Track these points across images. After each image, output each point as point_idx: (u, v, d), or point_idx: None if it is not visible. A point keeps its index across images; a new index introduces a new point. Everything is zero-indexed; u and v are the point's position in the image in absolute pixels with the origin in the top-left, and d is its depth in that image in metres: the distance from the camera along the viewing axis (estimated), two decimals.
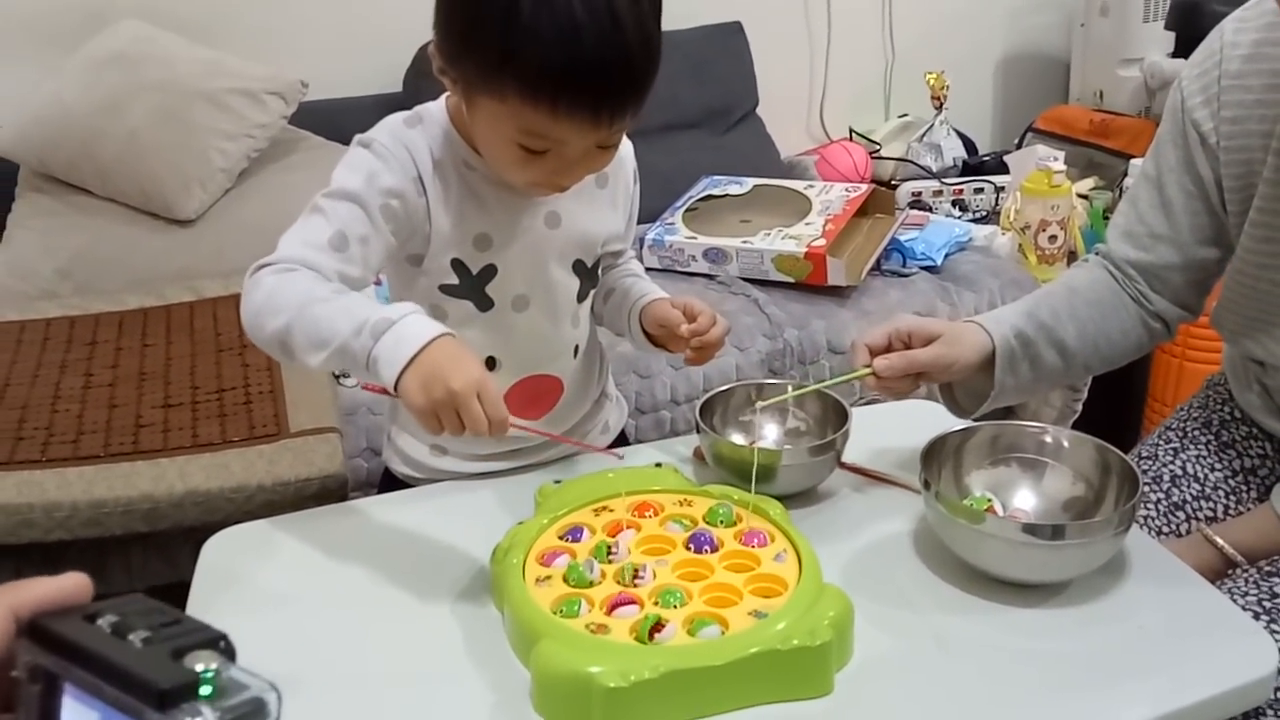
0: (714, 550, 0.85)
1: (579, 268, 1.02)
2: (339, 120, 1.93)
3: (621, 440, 1.17)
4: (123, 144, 1.84)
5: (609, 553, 0.85)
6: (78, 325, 1.62)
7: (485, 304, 0.98)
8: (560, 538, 0.88)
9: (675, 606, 0.78)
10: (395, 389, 0.80)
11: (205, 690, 0.36)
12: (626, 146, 1.02)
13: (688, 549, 0.85)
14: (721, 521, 0.88)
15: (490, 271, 0.97)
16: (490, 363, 1.00)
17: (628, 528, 0.88)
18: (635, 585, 0.81)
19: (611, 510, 0.91)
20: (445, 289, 0.96)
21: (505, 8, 0.79)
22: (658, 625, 0.76)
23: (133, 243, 1.84)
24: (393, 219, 0.91)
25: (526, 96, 0.82)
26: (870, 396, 1.76)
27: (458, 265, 0.95)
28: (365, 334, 0.81)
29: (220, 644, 0.38)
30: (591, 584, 0.81)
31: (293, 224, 0.90)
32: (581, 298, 1.04)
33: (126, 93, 1.87)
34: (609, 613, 0.78)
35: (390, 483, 1.09)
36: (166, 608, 0.40)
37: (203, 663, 0.37)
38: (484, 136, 0.89)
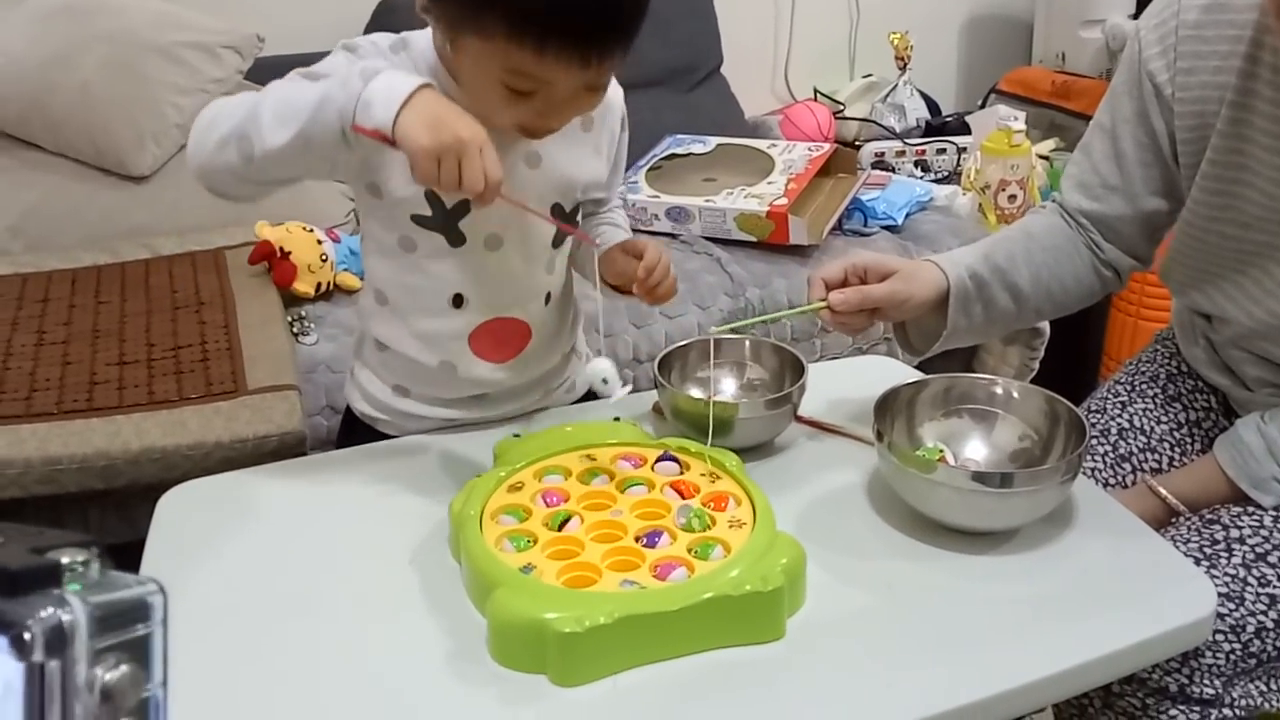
0: (651, 545, 0.81)
1: (557, 211, 1.00)
2: None
3: (590, 398, 1.17)
4: (74, 97, 1.80)
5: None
6: (30, 283, 1.59)
7: (457, 239, 0.96)
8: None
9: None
10: (394, 129, 0.78)
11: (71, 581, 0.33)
12: (616, 92, 1.00)
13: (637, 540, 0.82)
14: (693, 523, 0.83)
15: (464, 207, 0.95)
16: (458, 300, 0.98)
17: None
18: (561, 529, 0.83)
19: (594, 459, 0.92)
20: (417, 219, 0.95)
21: None
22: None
23: (86, 199, 1.80)
24: None
25: (513, 35, 0.80)
26: (830, 351, 1.78)
27: (431, 196, 0.94)
28: (354, 80, 0.79)
29: (92, 548, 0.35)
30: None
31: None
32: (557, 243, 1.02)
33: (77, 45, 1.83)
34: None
35: (351, 420, 1.09)
36: (43, 530, 0.37)
37: (69, 556, 0.34)
38: (469, 76, 0.87)
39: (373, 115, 0.78)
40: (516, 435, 0.97)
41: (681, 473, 0.90)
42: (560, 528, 0.83)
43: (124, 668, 0.33)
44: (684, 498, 0.86)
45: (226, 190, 0.90)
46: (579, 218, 1.04)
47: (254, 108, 0.82)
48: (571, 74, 0.83)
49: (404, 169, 0.92)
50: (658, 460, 0.92)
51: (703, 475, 0.89)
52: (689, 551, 0.80)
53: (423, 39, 0.93)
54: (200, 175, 0.87)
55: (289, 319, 1.55)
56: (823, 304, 0.99)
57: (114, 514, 1.31)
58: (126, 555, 0.91)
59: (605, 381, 0.92)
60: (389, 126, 0.77)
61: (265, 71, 1.99)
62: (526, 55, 0.81)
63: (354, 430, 1.08)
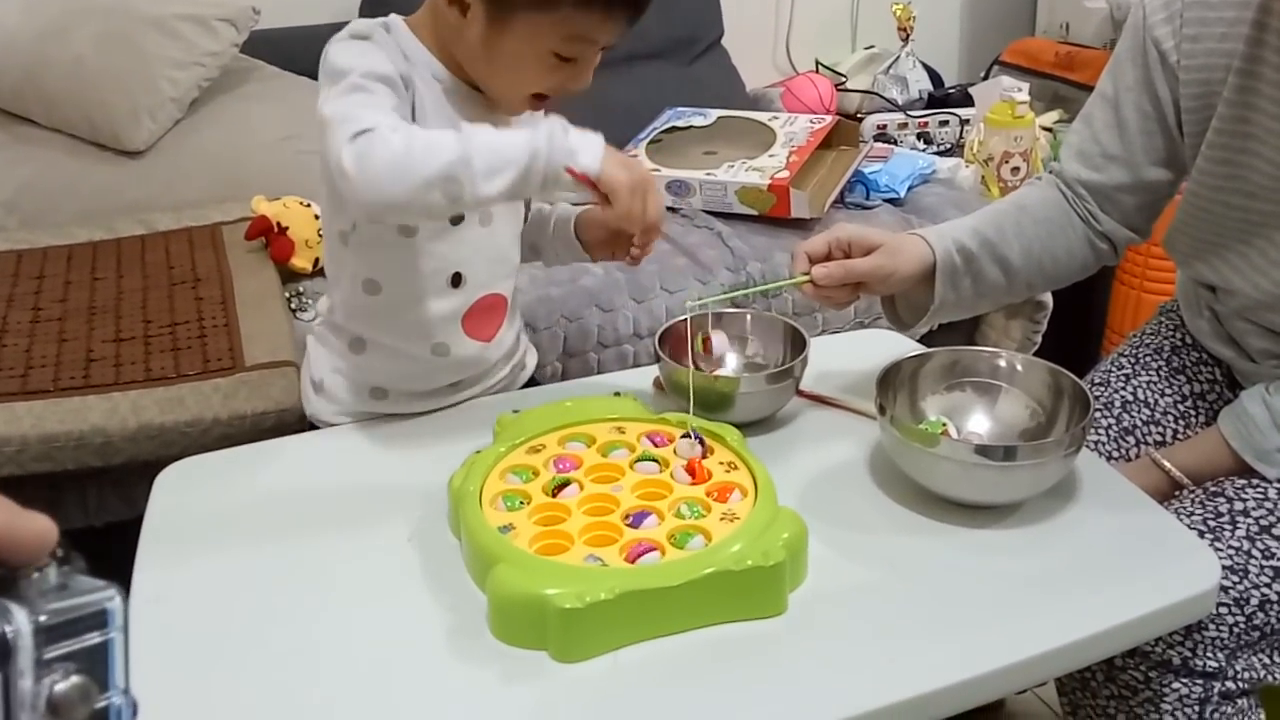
0: (636, 525, 0.80)
1: None
2: (292, 49, 1.87)
3: (532, 384, 1.17)
4: (68, 71, 1.78)
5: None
6: (25, 259, 1.58)
7: (457, 216, 0.98)
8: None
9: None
10: (599, 172, 0.85)
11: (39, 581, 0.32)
12: None
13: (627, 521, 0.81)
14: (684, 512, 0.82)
15: None
16: (456, 279, 0.99)
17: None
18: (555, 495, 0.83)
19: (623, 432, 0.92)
20: None
21: None
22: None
23: (81, 174, 1.79)
24: (405, 105, 0.92)
25: (581, 2, 0.87)
26: (832, 325, 1.76)
27: None
28: (558, 133, 0.84)
29: (56, 553, 0.34)
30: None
31: (332, 102, 0.87)
32: (525, 218, 1.07)
33: (71, 18, 1.80)
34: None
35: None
36: None
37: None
38: (512, 53, 0.90)
39: (580, 161, 0.85)
40: (516, 411, 0.96)
41: (704, 456, 0.88)
42: (555, 493, 0.83)
43: (74, 679, 0.33)
44: (695, 480, 0.85)
45: (402, 219, 0.94)
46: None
47: (460, 154, 0.82)
48: (619, 29, 0.91)
49: None
50: (682, 437, 0.90)
51: (721, 463, 0.88)
52: (668, 538, 0.79)
53: (400, 23, 0.96)
54: (386, 210, 0.88)
55: (286, 295, 1.54)
56: (805, 278, 0.98)
57: (111, 491, 1.30)
58: (124, 533, 0.91)
59: None
60: (595, 170, 0.85)
61: (261, 45, 1.97)
62: (592, 18, 0.88)
63: None
